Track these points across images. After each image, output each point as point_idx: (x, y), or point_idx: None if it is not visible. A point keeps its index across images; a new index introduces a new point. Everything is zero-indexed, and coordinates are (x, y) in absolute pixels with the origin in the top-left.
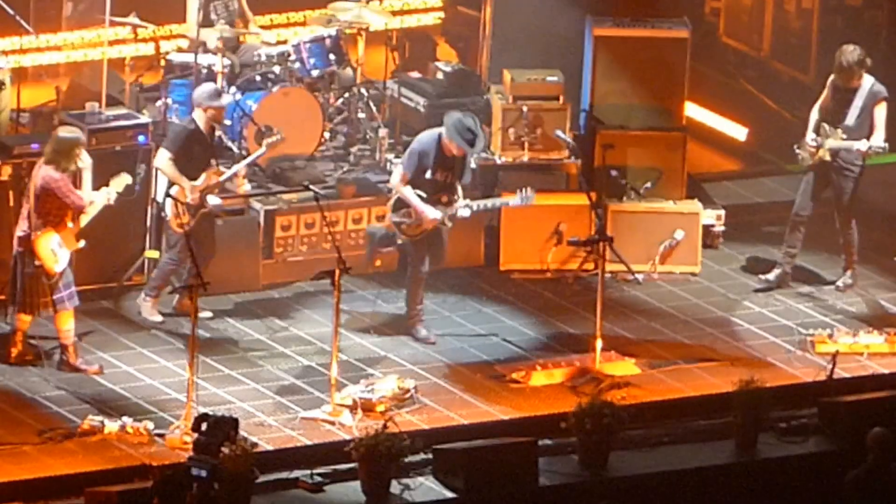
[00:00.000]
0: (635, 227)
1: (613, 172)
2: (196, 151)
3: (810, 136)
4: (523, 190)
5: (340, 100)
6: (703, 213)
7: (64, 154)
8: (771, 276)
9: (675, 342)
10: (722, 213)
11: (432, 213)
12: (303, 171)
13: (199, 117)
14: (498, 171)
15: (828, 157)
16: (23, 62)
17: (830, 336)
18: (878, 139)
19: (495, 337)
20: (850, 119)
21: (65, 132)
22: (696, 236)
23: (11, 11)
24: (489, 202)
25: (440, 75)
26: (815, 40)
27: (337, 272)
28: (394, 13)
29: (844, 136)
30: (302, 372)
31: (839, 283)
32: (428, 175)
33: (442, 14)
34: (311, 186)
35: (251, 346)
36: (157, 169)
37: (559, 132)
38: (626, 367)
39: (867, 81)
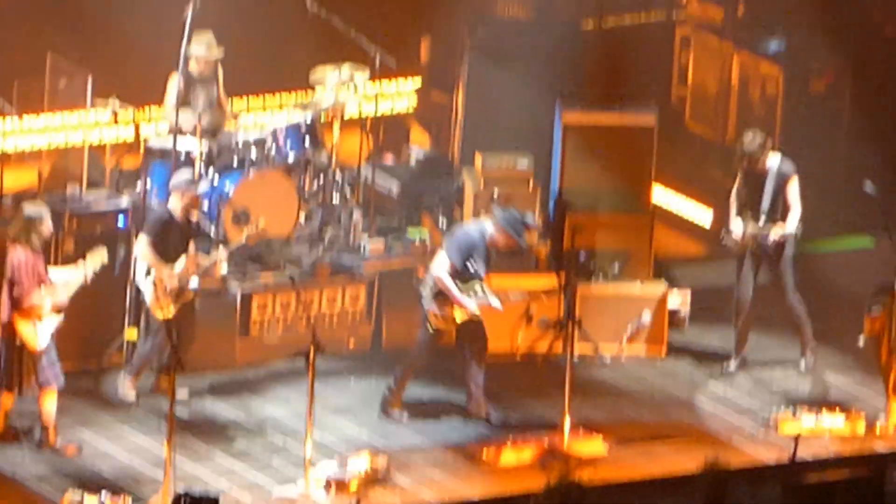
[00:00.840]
0: (603, 308)
1: (582, 255)
2: (173, 237)
3: (734, 223)
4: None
5: (315, 184)
6: (669, 296)
7: (27, 230)
8: (731, 366)
9: (642, 422)
10: (688, 295)
11: (472, 306)
12: (279, 252)
13: (175, 204)
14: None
15: (752, 245)
16: (4, 146)
17: (794, 416)
18: (793, 219)
19: (466, 417)
20: (765, 203)
21: (29, 209)
22: (662, 318)
23: None
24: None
25: (413, 160)
26: (779, 126)
27: (312, 352)
28: (368, 99)
29: (763, 221)
30: (276, 450)
31: (801, 367)
32: (469, 266)
33: (415, 100)
34: (287, 268)
35: (227, 424)
36: (136, 255)
37: (529, 216)
38: (593, 447)
39: (774, 162)
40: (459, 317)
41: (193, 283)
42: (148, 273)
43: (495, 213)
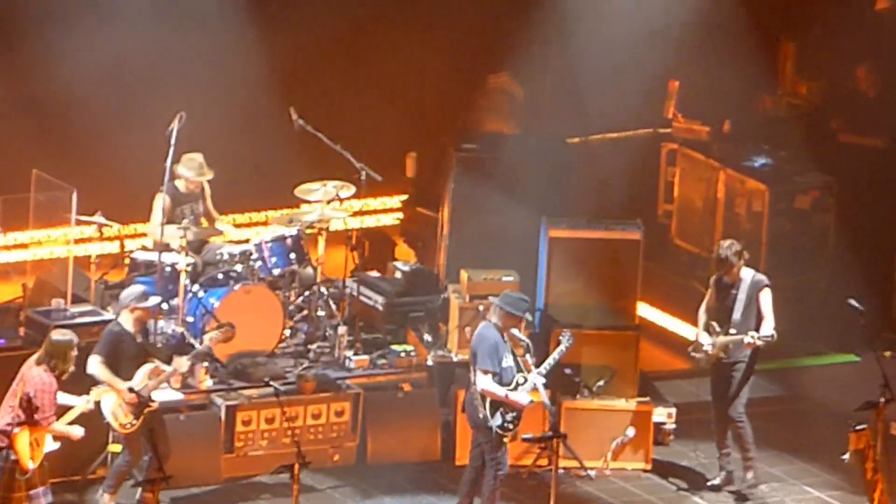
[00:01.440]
0: (588, 423)
1: (567, 370)
2: (127, 352)
3: (702, 337)
4: (564, 334)
5: (301, 298)
6: (654, 411)
7: (58, 356)
8: (717, 480)
9: None
10: (673, 410)
11: (525, 399)
12: (264, 367)
13: (126, 319)
14: (454, 368)
15: (722, 355)
16: None
17: None
18: (767, 328)
19: None
20: (737, 313)
21: (58, 335)
22: (647, 433)
23: None
24: (551, 360)
25: (398, 274)
26: (765, 242)
27: (296, 466)
28: (354, 214)
29: (733, 331)
30: None
31: (744, 486)
32: (504, 364)
33: (401, 215)
34: (272, 382)
35: None
36: (90, 374)
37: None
38: None
39: (747, 274)
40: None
41: (174, 395)
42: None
43: (496, 304)
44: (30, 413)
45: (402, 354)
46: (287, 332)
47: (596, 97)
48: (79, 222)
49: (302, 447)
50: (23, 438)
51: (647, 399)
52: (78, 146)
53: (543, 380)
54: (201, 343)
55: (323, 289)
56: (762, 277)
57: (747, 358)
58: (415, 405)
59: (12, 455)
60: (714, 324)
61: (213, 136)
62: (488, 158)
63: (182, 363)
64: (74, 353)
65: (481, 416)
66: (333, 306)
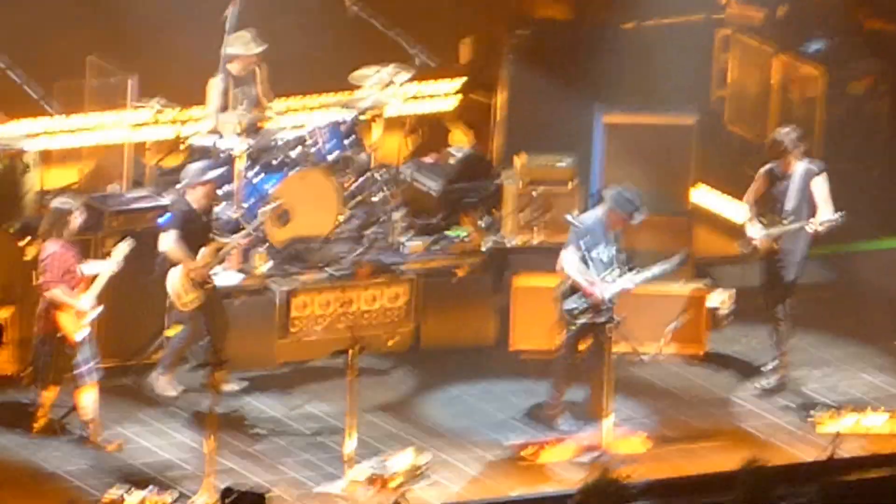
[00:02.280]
0: (643, 309)
1: (623, 255)
2: (192, 230)
3: (752, 228)
4: (677, 255)
5: (356, 183)
6: (709, 296)
7: (59, 223)
8: (770, 365)
9: (681, 421)
10: (727, 295)
11: (604, 292)
12: (319, 252)
13: (192, 196)
14: (508, 253)
15: (775, 245)
16: (47, 145)
17: (833, 416)
18: (825, 213)
19: (505, 415)
20: (789, 203)
21: (57, 203)
22: (702, 318)
23: (36, 95)
24: (649, 272)
25: (453, 160)
26: (819, 128)
27: (352, 351)
28: (408, 99)
29: (786, 222)
30: (317, 448)
31: (762, 384)
32: (595, 254)
33: (455, 100)
34: (327, 267)
35: (267, 423)
36: (163, 251)
37: (569, 216)
38: (632, 445)
39: (800, 163)
40: (595, 302)
41: (233, 279)
42: (171, 267)
43: (605, 195)
44: (55, 286)
45: (457, 240)
46: (342, 218)
47: None
48: (135, 108)
49: (357, 332)
50: (63, 314)
51: (702, 284)
52: (134, 32)
53: (632, 286)
54: (256, 229)
55: (378, 174)
56: (816, 165)
57: (799, 250)
58: (469, 290)
59: (58, 333)
60: (763, 218)
61: (268, 21)
62: (542, 44)
63: (240, 237)
64: (74, 218)
65: (559, 296)
66: (388, 192)
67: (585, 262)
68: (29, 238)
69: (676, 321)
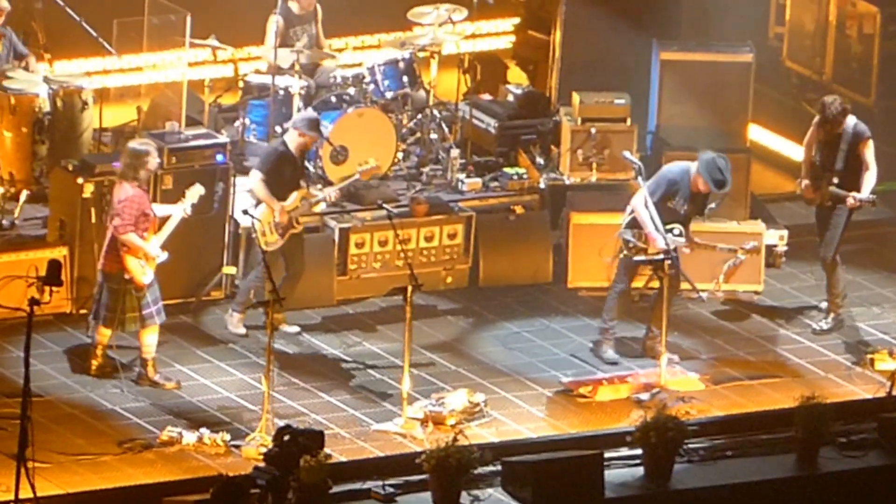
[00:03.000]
0: (700, 246)
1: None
2: (286, 173)
3: (805, 181)
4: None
5: (413, 121)
6: (766, 233)
7: (136, 165)
8: (824, 304)
9: (738, 359)
10: (785, 233)
11: (662, 242)
12: (376, 189)
13: (292, 140)
14: (566, 191)
15: (828, 203)
16: (105, 83)
17: (890, 354)
18: (868, 185)
19: (563, 353)
20: (839, 163)
21: (135, 143)
22: (759, 256)
23: (94, 34)
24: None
25: (510, 97)
26: (877, 65)
27: (409, 289)
28: (466, 37)
29: (836, 181)
30: (375, 386)
31: (815, 327)
32: (671, 204)
33: (513, 38)
34: (385, 205)
35: (326, 360)
36: (248, 190)
37: (626, 153)
38: (690, 383)
39: (850, 123)
40: (652, 249)
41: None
42: (257, 206)
43: (699, 156)
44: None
45: (514, 177)
46: (400, 155)
47: None
48: (193, 45)
49: (415, 269)
50: (131, 257)
51: (759, 221)
52: None
53: (688, 251)
54: (318, 162)
55: (435, 112)
56: (863, 128)
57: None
58: (526, 228)
59: (125, 274)
60: (822, 170)
61: None
62: None
63: (331, 192)
64: (152, 160)
65: (622, 222)
66: (446, 129)
67: (666, 209)
68: (87, 176)
69: (734, 258)
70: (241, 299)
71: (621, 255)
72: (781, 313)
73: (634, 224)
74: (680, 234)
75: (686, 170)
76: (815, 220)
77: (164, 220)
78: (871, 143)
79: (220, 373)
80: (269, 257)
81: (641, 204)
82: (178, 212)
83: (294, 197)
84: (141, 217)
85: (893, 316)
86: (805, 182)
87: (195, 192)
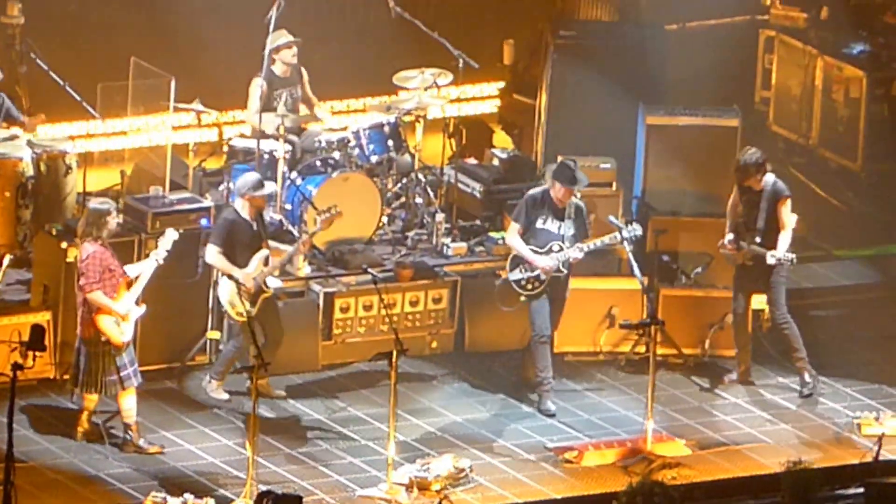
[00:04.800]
0: (686, 310)
1: (665, 257)
2: (244, 239)
3: (729, 237)
4: (629, 225)
5: (398, 185)
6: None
7: (94, 224)
8: (733, 376)
9: (725, 423)
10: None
11: (545, 262)
12: (361, 254)
13: (242, 206)
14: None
15: (749, 262)
16: (89, 147)
17: (877, 419)
18: (784, 244)
19: (548, 417)
20: (760, 222)
21: (94, 203)
22: None
23: (79, 98)
24: (598, 241)
25: (496, 161)
26: (863, 129)
27: (394, 353)
28: (451, 101)
29: (758, 241)
30: (359, 451)
31: (803, 391)
32: (539, 224)
33: (498, 102)
34: (370, 269)
35: (310, 426)
36: (208, 264)
37: (612, 218)
38: (676, 448)
39: (769, 181)
40: (544, 274)
41: (277, 283)
42: (222, 277)
43: (546, 171)
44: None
45: (500, 241)
46: (385, 220)
47: None
48: (177, 109)
49: (399, 334)
50: (103, 318)
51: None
52: (176, 34)
53: (581, 255)
54: (303, 228)
55: (420, 176)
56: (782, 187)
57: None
58: (512, 292)
59: (102, 337)
60: (744, 226)
61: (311, 23)
62: (586, 45)
63: (298, 244)
64: (112, 219)
65: (507, 266)
66: (431, 193)
67: (537, 233)
68: (71, 240)
69: (719, 323)
70: (220, 368)
71: (523, 300)
72: (767, 377)
73: (517, 262)
74: (560, 250)
75: (543, 189)
76: (734, 278)
77: (138, 278)
78: (789, 202)
79: (204, 438)
80: (246, 327)
81: (512, 238)
82: (150, 263)
83: (255, 261)
84: (106, 273)
85: (880, 381)
86: (729, 237)
87: (168, 238)
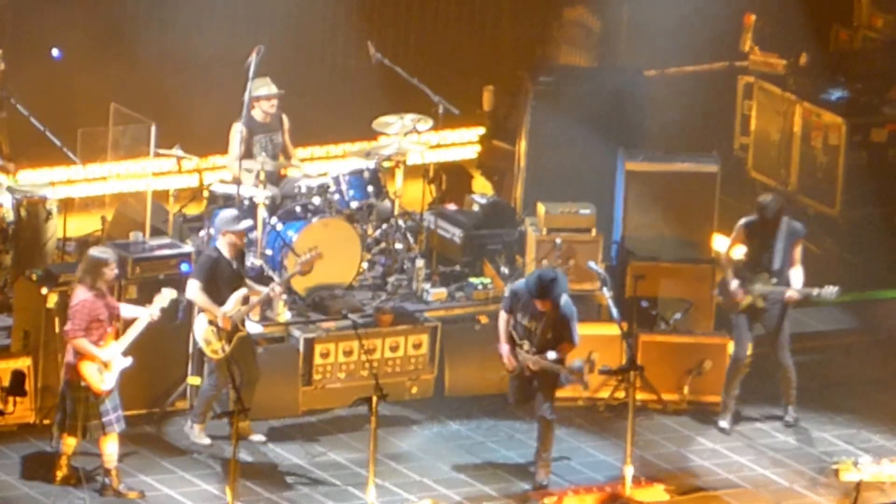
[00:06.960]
0: (665, 356)
1: (644, 303)
2: (224, 278)
3: (734, 283)
4: (575, 364)
5: (378, 230)
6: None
7: (91, 272)
8: (724, 423)
9: (703, 469)
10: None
11: (500, 350)
12: (341, 299)
13: (222, 244)
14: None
15: (760, 304)
16: (70, 192)
17: (855, 464)
18: (799, 281)
19: (529, 463)
20: (776, 263)
21: (95, 251)
22: (723, 366)
23: (59, 143)
24: (548, 359)
25: (476, 207)
26: (841, 175)
27: (374, 399)
28: (431, 147)
29: (775, 281)
30: (339, 496)
31: (787, 419)
32: (518, 318)
33: (478, 148)
34: (350, 315)
35: (290, 471)
36: (188, 300)
37: (591, 263)
38: (655, 493)
39: (784, 222)
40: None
41: (257, 329)
42: (199, 314)
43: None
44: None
45: (480, 287)
46: (365, 265)
47: (672, 30)
48: (157, 155)
49: (380, 380)
50: (87, 364)
51: (724, 333)
52: (157, 80)
53: (536, 366)
54: (284, 272)
55: (400, 221)
56: (798, 226)
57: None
58: (492, 337)
59: (83, 383)
60: (756, 268)
61: (291, 69)
62: (565, 91)
63: (276, 287)
64: (110, 269)
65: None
66: (411, 239)
67: (515, 321)
68: (51, 286)
69: (697, 368)
70: (200, 410)
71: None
72: (746, 422)
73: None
74: (527, 351)
75: (525, 283)
76: (735, 324)
77: (130, 322)
78: (801, 244)
79: (184, 483)
80: (222, 365)
81: (501, 316)
82: (144, 316)
83: (233, 300)
84: (94, 322)
85: (858, 426)
86: (734, 283)
87: (165, 296)
